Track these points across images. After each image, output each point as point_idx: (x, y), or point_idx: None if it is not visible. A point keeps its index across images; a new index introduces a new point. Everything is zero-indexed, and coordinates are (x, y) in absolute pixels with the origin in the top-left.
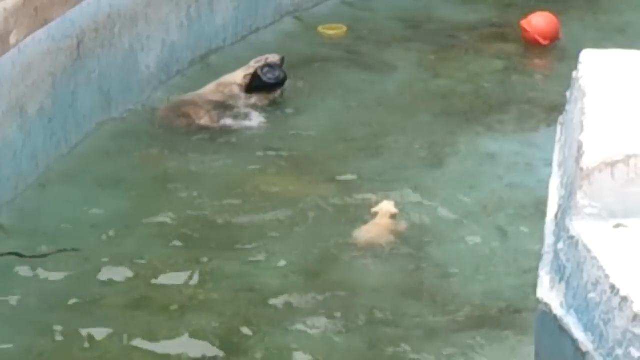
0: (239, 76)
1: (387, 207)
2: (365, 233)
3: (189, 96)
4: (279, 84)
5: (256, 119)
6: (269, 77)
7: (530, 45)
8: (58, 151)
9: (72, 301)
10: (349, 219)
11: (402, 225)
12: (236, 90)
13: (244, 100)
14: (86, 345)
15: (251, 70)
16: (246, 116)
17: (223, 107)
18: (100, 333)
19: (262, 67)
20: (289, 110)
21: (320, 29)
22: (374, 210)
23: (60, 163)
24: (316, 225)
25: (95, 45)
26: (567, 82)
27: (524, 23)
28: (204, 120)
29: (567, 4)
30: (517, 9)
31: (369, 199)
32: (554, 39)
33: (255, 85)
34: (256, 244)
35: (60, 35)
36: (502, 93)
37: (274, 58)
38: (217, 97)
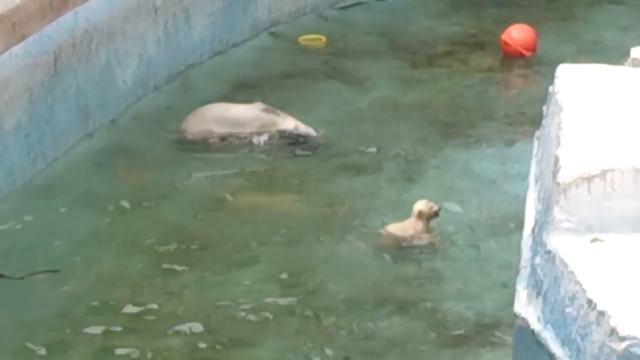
0: (289, 125)
1: (425, 206)
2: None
3: (228, 110)
4: (304, 143)
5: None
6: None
7: (508, 57)
8: (35, 167)
9: (49, 322)
10: (327, 233)
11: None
12: (275, 133)
13: (267, 139)
14: None
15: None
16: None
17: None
18: (78, 353)
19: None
20: None
21: (300, 40)
22: (417, 209)
23: (37, 179)
24: (294, 239)
25: (72, 61)
26: (543, 96)
27: (504, 36)
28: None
29: (540, 15)
30: (492, 22)
31: (347, 213)
32: (534, 50)
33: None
34: (235, 260)
35: (37, 50)
36: (479, 107)
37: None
38: (251, 127)
